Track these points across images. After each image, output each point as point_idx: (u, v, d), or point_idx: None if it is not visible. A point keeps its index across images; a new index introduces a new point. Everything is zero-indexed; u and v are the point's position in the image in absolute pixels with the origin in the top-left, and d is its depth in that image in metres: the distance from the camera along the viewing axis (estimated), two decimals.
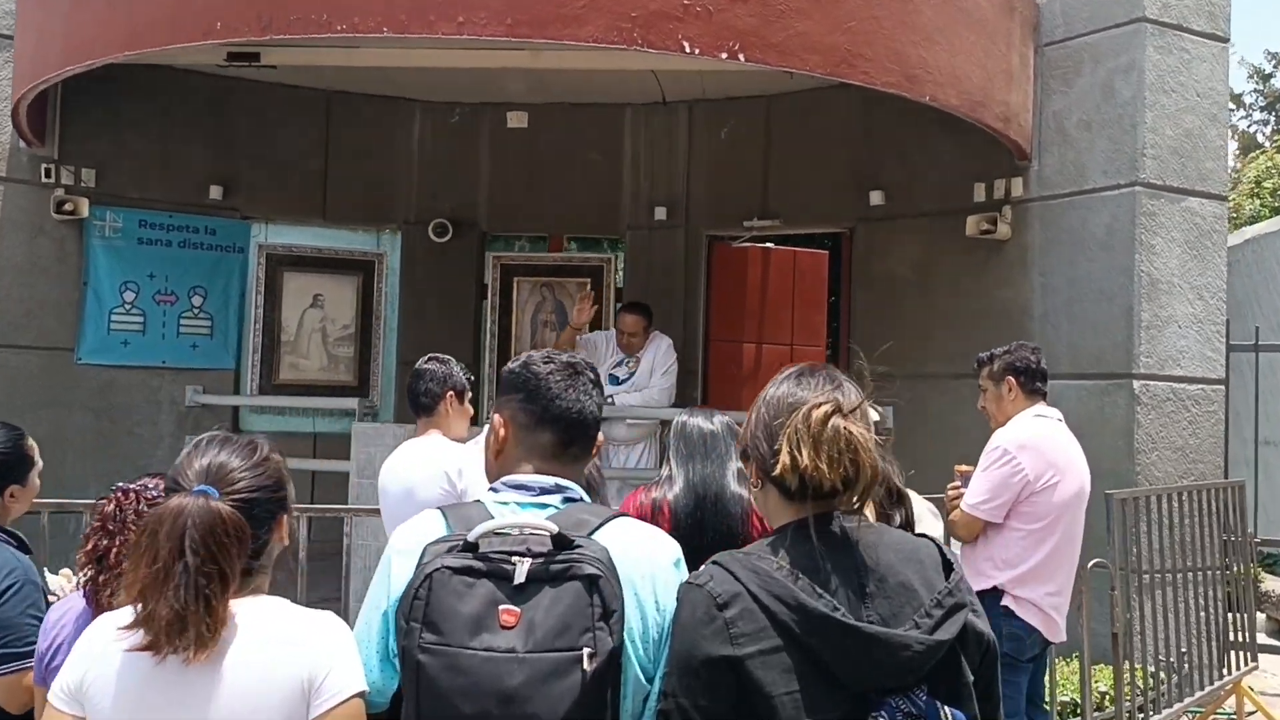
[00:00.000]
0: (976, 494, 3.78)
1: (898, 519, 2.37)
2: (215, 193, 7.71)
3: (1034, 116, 6.39)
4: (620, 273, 8.26)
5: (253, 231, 8.01)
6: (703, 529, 3.01)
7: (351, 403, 7.46)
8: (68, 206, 7.19)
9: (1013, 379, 3.98)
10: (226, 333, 7.85)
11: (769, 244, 8.25)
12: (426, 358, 4.11)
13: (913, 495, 3.74)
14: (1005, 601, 3.65)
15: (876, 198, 7.19)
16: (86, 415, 7.43)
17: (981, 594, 2.55)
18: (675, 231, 8.03)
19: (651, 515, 3.06)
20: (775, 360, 8.17)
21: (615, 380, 6.54)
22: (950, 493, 3.97)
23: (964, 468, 3.94)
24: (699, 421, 3.48)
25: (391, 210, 8.19)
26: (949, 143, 6.71)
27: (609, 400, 6.36)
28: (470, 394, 4.13)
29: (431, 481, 3.62)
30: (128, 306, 7.55)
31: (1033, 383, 3.98)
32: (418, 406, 4.00)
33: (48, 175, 7.24)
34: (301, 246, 8.13)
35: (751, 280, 8.17)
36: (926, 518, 3.66)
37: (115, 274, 7.50)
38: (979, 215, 6.55)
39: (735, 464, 3.24)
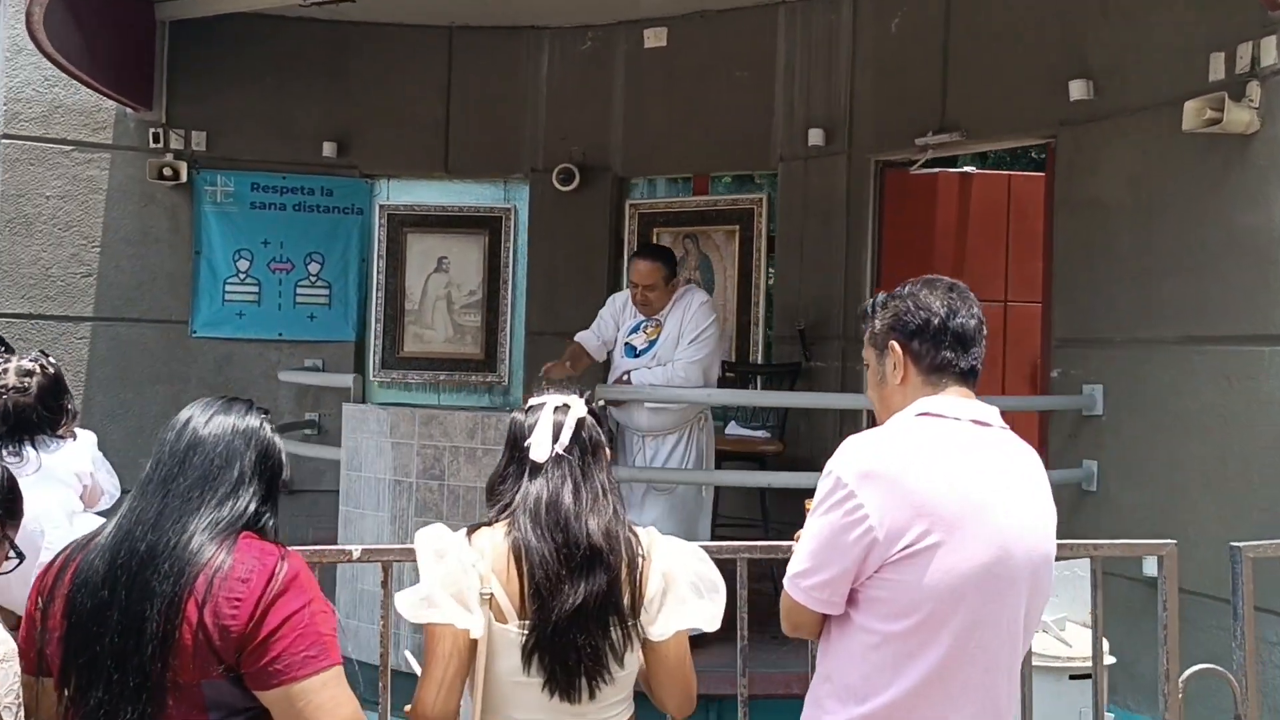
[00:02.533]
0: (797, 559, 2.07)
1: None
2: (329, 150, 7.09)
3: None
4: (769, 215, 6.73)
5: (373, 190, 7.32)
6: None
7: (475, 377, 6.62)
8: (167, 171, 6.84)
9: (899, 346, 2.15)
10: (346, 302, 7.22)
11: (969, 168, 6.37)
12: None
13: (677, 546, 2.19)
14: None
15: (1079, 89, 5.18)
16: (203, 390, 7.01)
17: None
18: (835, 159, 6.38)
19: None
20: None
21: (631, 351, 5.05)
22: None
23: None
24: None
25: (518, 158, 7.19)
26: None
27: (623, 378, 4.94)
28: None
29: None
30: (242, 276, 7.11)
31: (935, 353, 2.12)
32: None
33: (155, 140, 6.93)
34: (424, 205, 7.32)
35: (942, 217, 6.35)
36: (678, 588, 2.12)
37: (228, 242, 7.08)
38: (1203, 100, 4.44)
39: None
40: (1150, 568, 4.87)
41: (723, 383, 6.46)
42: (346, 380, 5.75)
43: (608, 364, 5.18)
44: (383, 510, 4.96)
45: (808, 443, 6.33)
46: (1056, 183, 5.45)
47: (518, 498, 2.11)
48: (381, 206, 7.28)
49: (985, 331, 2.22)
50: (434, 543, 2.08)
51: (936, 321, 2.15)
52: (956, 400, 2.11)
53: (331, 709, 1.82)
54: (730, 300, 6.78)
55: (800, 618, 2.07)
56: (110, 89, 6.69)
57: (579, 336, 5.23)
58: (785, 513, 6.18)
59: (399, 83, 7.19)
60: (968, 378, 2.16)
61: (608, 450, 2.23)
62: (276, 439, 2.09)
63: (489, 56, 7.20)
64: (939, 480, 1.96)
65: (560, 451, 2.13)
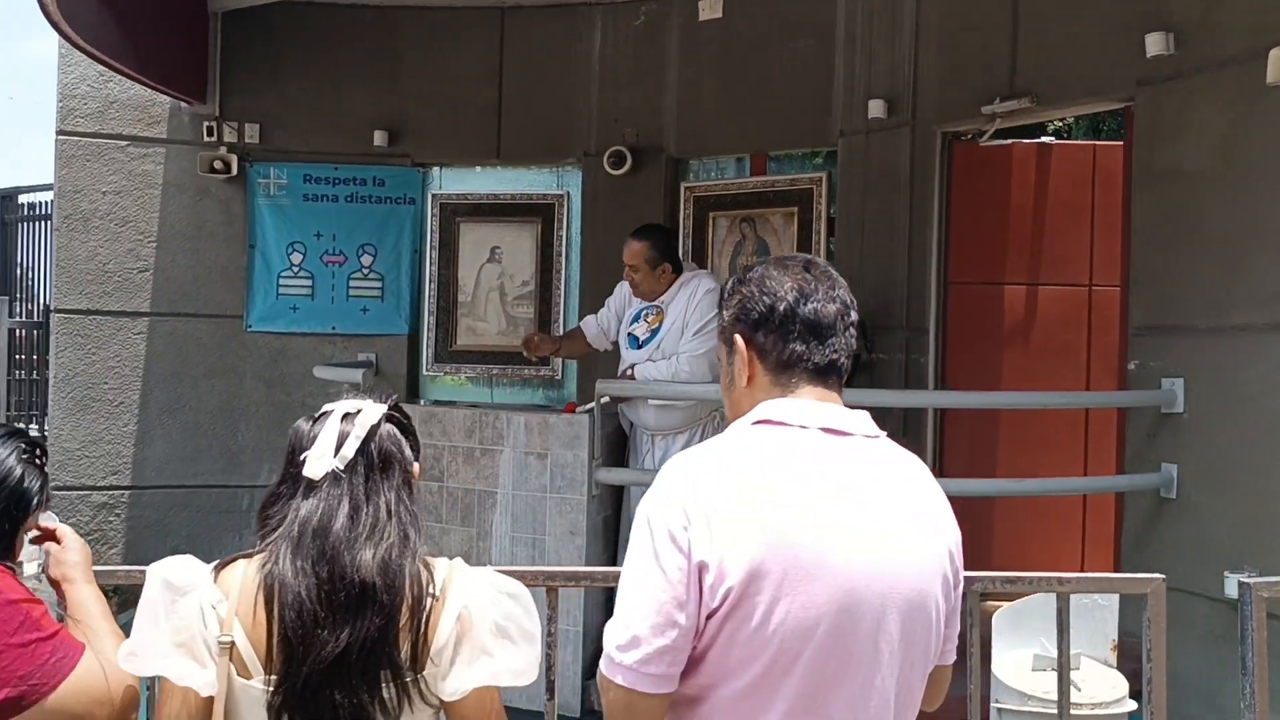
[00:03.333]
0: (616, 630, 1.59)
1: None
2: (380, 139, 6.92)
3: None
4: (829, 195, 6.23)
5: (425, 179, 7.12)
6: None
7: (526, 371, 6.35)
8: (218, 164, 6.79)
9: (743, 340, 1.76)
10: (399, 294, 7.05)
11: (1047, 138, 5.75)
12: None
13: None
14: None
15: (1158, 44, 4.57)
16: (259, 385, 7.01)
17: None
18: (898, 132, 5.85)
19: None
20: (1061, 311, 5.70)
21: (633, 342, 4.66)
22: None
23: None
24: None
25: (570, 142, 6.87)
26: None
27: (626, 372, 4.55)
28: None
29: None
30: (295, 269, 7.01)
31: (783, 346, 1.72)
32: None
33: (209, 134, 6.90)
34: (476, 193, 7.08)
35: (1017, 194, 5.75)
36: (478, 634, 1.75)
37: (281, 235, 6.99)
38: None
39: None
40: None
41: None
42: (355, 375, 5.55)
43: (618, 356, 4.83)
44: None
45: None
46: (1135, 151, 4.83)
47: (285, 522, 1.77)
48: (434, 196, 7.08)
49: (852, 319, 1.80)
50: (171, 577, 1.77)
51: (783, 308, 1.74)
52: (806, 404, 1.70)
53: None
54: None
55: (638, 713, 1.58)
56: (163, 83, 6.67)
57: (583, 321, 4.90)
58: None
59: (450, 67, 6.97)
60: (826, 375, 1.75)
61: (413, 467, 1.89)
62: (19, 470, 1.88)
63: (541, 36, 6.91)
64: (771, 509, 1.56)
65: (340, 467, 1.79)
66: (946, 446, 5.78)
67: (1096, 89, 5.04)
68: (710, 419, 4.55)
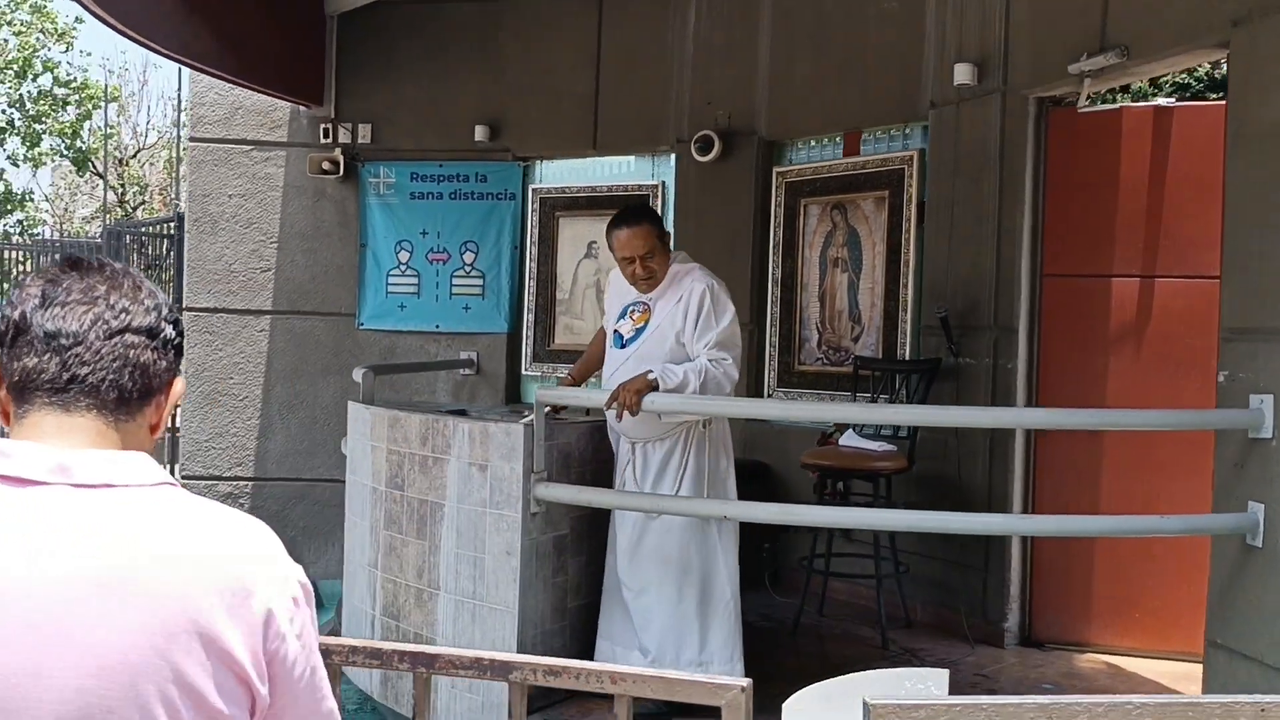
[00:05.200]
0: None
1: None
2: (481, 134, 6.81)
3: None
4: (919, 176, 5.45)
5: (524, 173, 6.93)
6: None
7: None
8: (327, 165, 6.92)
9: None
10: (499, 292, 6.91)
11: (1164, 100, 4.74)
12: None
13: None
14: None
15: None
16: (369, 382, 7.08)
17: None
18: (988, 100, 5.02)
19: None
20: (1184, 308, 4.69)
21: (618, 340, 4.10)
22: None
23: None
24: None
25: (664, 128, 6.45)
26: None
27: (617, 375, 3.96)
28: None
29: None
30: (403, 268, 7.04)
31: (16, 363, 1.29)
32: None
33: (325, 136, 7.05)
34: (574, 186, 6.81)
35: (1128, 167, 4.75)
36: None
37: (390, 233, 7.04)
38: None
39: None
40: None
41: (859, 383, 5.38)
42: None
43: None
44: (365, 519, 4.56)
45: (943, 459, 5.06)
46: (1230, 108, 3.84)
47: None
48: (534, 190, 6.88)
49: (113, 329, 1.36)
50: None
51: (16, 316, 1.34)
52: (10, 444, 1.29)
53: None
54: (878, 282, 5.61)
55: None
56: (283, 91, 6.89)
57: (598, 333, 4.49)
58: (910, 542, 5.02)
59: (549, 58, 6.76)
60: (69, 396, 1.33)
61: None
62: None
63: (637, 19, 6.54)
64: None
65: None
66: (1039, 469, 4.90)
67: (1188, 34, 4.06)
68: (693, 426, 4.02)
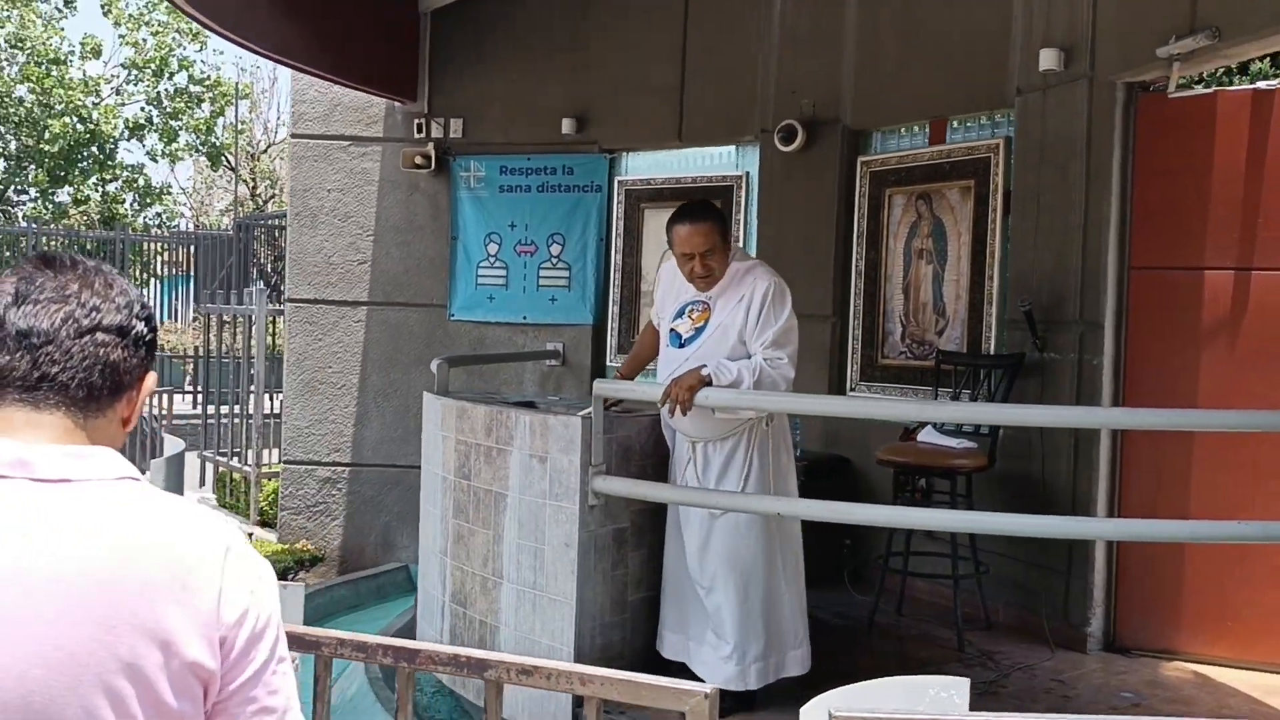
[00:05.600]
0: None
1: None
2: (569, 126, 6.86)
3: None
4: (1005, 165, 5.27)
5: (610, 165, 6.95)
6: None
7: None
8: (419, 159, 7.06)
9: None
10: (584, 284, 6.96)
11: (1266, 82, 4.49)
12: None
13: None
14: None
15: None
16: (460, 372, 7.20)
17: None
18: (1074, 86, 4.83)
19: None
20: None
21: (675, 340, 4.05)
22: None
23: None
24: None
25: (748, 118, 6.38)
26: None
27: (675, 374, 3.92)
28: None
29: None
30: (492, 260, 7.14)
31: None
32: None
33: (418, 131, 7.19)
34: (658, 178, 6.80)
35: (1223, 154, 4.50)
36: None
37: (480, 226, 7.15)
38: None
39: None
40: None
41: (941, 377, 5.26)
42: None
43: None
44: (436, 508, 4.65)
45: (1027, 458, 4.91)
46: None
47: None
48: (620, 182, 6.90)
49: (83, 327, 1.41)
50: None
51: None
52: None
53: None
54: (963, 274, 5.46)
55: None
56: (379, 88, 7.07)
57: (645, 327, 4.46)
58: (991, 542, 4.89)
59: (635, 49, 6.76)
60: (40, 393, 1.38)
61: None
62: None
63: (723, 9, 6.49)
64: None
65: None
66: (1126, 469, 4.71)
67: None
68: (755, 424, 3.98)
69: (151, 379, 1.50)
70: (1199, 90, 4.69)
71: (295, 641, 1.85)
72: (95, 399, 1.41)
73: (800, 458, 5.72)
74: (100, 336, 1.41)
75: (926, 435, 5.06)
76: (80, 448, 1.37)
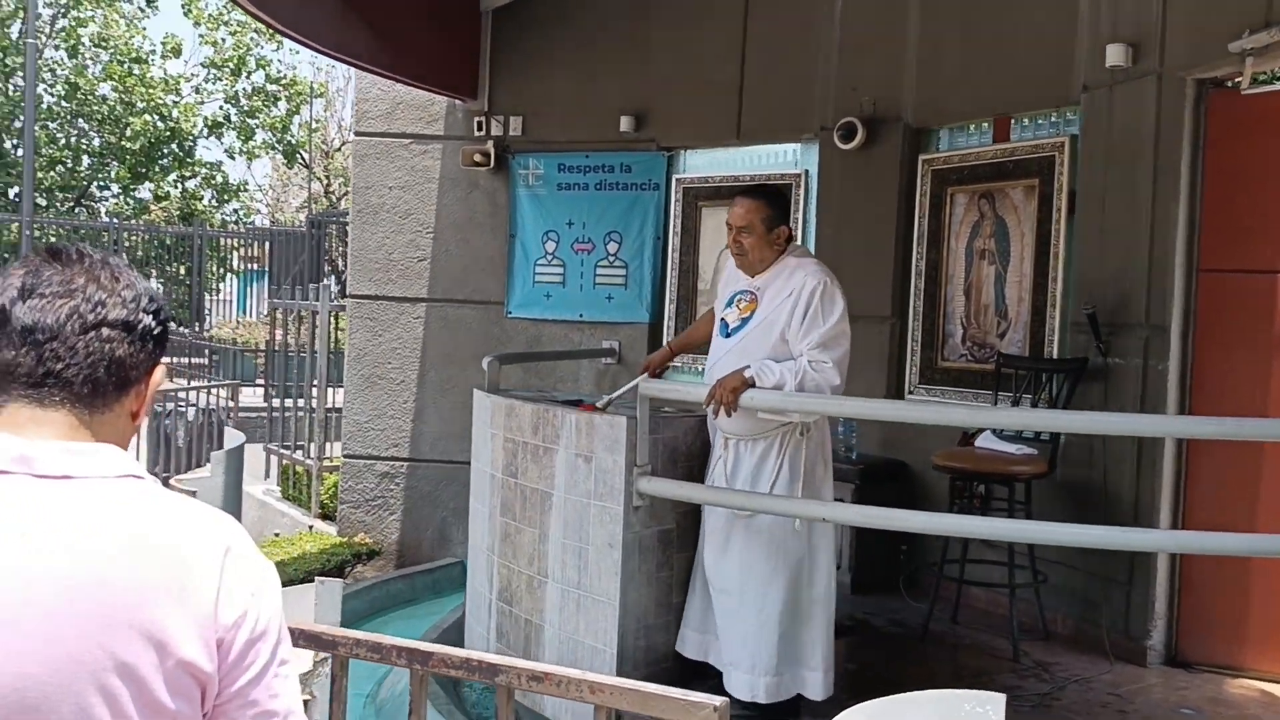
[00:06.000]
0: None
1: None
2: (627, 124, 6.84)
3: None
4: (1071, 164, 5.12)
5: (668, 163, 6.91)
6: None
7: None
8: (478, 157, 7.08)
9: None
10: (641, 282, 6.93)
11: None
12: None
13: None
14: None
15: None
16: (516, 369, 7.23)
17: None
18: (1143, 83, 4.68)
19: None
20: None
21: (724, 329, 3.97)
22: None
23: None
24: None
25: (808, 115, 6.30)
26: None
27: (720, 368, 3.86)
28: None
29: None
30: (549, 257, 7.15)
31: None
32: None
33: (479, 129, 7.22)
34: (716, 176, 6.74)
35: None
36: None
37: (538, 224, 7.16)
38: None
39: None
40: None
41: (1002, 381, 5.15)
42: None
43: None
44: (485, 505, 4.66)
45: (1088, 465, 4.77)
46: None
47: None
48: (678, 180, 6.86)
49: (88, 323, 1.40)
50: None
51: None
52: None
53: None
54: (1025, 276, 5.33)
55: None
56: (441, 86, 7.11)
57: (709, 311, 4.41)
58: (1050, 550, 4.76)
59: (694, 46, 6.71)
60: (44, 390, 1.38)
61: None
62: None
63: (783, 5, 6.42)
64: None
65: None
66: (1191, 479, 4.56)
67: None
68: (791, 429, 3.90)
69: (161, 372, 1.49)
70: (1274, 87, 4.51)
71: (312, 641, 1.85)
72: (101, 395, 1.41)
73: (856, 461, 5.65)
74: (106, 332, 1.41)
75: (985, 440, 4.95)
76: (83, 444, 1.37)
